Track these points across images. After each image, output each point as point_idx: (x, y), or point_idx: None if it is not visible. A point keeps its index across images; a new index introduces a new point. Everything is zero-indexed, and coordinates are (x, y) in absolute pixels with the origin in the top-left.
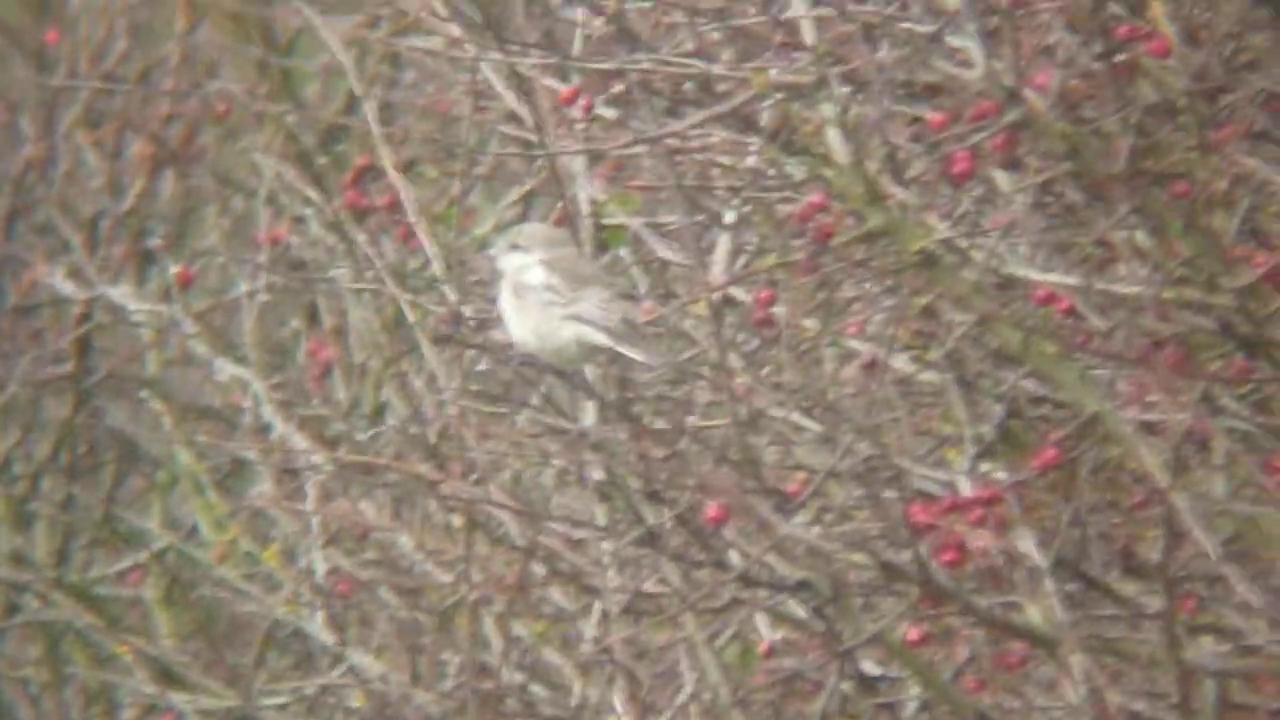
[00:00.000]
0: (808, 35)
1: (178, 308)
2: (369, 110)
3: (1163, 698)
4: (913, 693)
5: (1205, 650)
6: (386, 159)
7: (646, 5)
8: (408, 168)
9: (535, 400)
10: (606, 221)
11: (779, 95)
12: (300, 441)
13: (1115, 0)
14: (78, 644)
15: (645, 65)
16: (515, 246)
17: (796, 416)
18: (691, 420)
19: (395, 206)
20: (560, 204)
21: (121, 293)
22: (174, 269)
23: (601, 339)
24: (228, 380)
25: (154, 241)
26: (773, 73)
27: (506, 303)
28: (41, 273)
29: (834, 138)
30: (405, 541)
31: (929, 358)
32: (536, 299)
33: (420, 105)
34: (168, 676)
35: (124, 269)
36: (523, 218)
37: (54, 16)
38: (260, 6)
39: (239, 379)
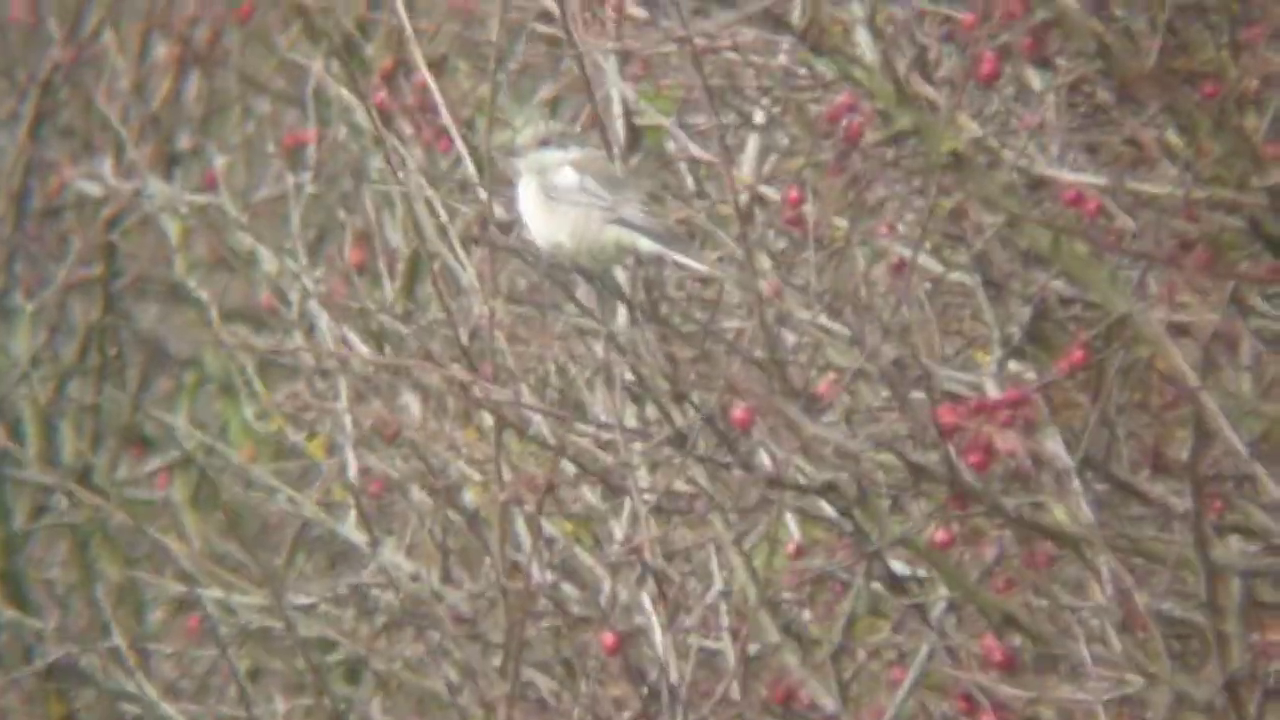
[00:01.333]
0: None
1: (225, 198)
2: (399, 2)
3: (1190, 597)
4: (941, 593)
5: (1233, 549)
6: (418, 54)
7: None
8: (440, 64)
9: (565, 302)
10: (639, 122)
11: None
12: (347, 337)
13: None
14: (105, 545)
15: None
16: (544, 143)
17: (824, 318)
18: (719, 322)
19: (425, 107)
20: (590, 105)
21: (158, 188)
22: (220, 160)
23: (647, 243)
24: (269, 269)
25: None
26: None
27: (533, 203)
28: (69, 175)
29: (863, 37)
30: (436, 441)
31: (957, 259)
32: (572, 200)
33: (446, 3)
34: (195, 578)
35: (151, 170)
36: (553, 117)
37: None
38: None
39: (273, 277)
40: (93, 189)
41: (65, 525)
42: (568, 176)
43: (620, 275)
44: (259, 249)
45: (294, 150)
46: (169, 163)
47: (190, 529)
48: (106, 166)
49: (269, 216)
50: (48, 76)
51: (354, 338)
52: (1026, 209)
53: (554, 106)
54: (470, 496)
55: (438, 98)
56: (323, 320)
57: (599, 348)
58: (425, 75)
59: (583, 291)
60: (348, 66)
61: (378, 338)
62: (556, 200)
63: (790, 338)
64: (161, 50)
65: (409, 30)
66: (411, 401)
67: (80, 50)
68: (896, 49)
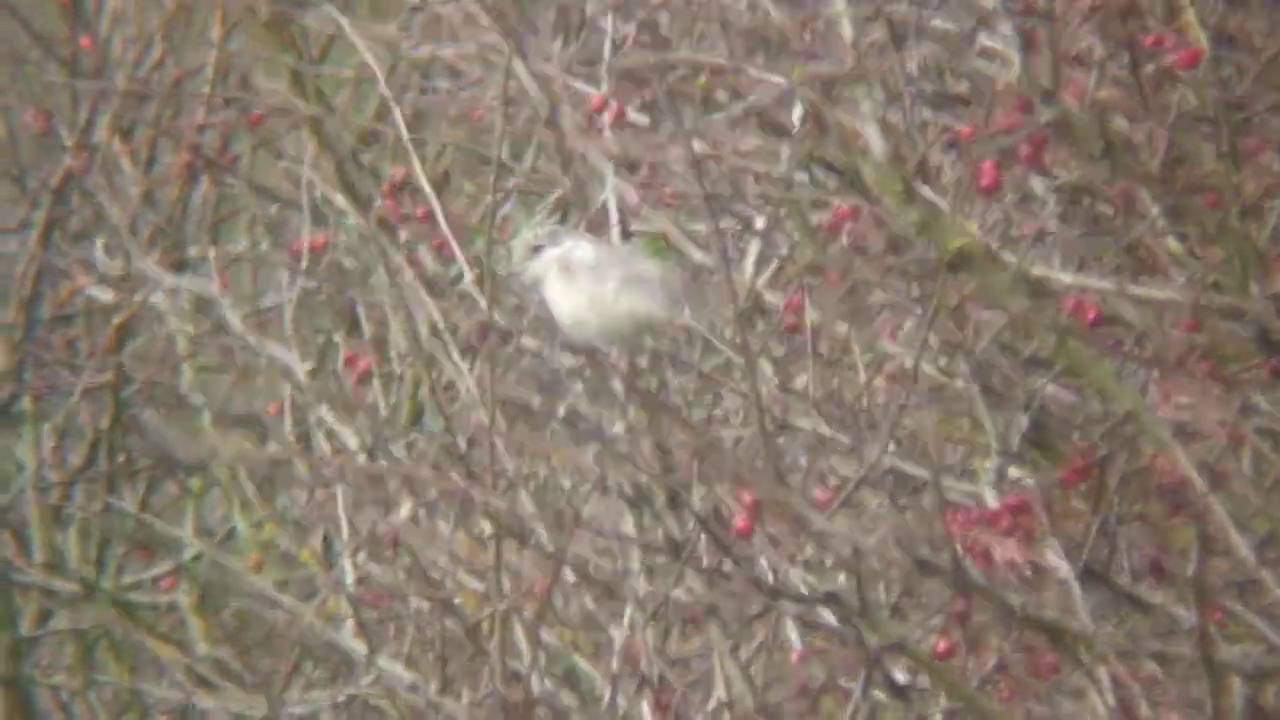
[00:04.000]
0: (847, 32)
1: (227, 303)
2: (398, 116)
3: (1194, 707)
4: (941, 702)
5: (1238, 651)
6: (418, 166)
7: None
8: (443, 178)
9: (563, 409)
10: (637, 229)
11: (811, 91)
12: (347, 441)
13: (1146, 10)
14: (111, 651)
15: (679, 60)
16: (536, 247)
17: (823, 428)
18: (720, 429)
19: (430, 217)
20: (588, 211)
21: (170, 283)
22: (212, 256)
23: (658, 307)
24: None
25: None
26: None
27: (554, 287)
28: (80, 282)
29: (872, 133)
30: (435, 549)
31: (954, 366)
32: (587, 269)
33: (452, 114)
34: (203, 682)
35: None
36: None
37: (88, 24)
38: (294, 14)
39: (279, 379)
40: (103, 296)
41: (70, 631)
42: (584, 249)
43: (618, 382)
44: (267, 347)
45: (296, 258)
46: (177, 269)
47: (196, 633)
48: (100, 256)
49: (275, 323)
50: (59, 183)
51: (352, 442)
52: (1031, 307)
53: (563, 214)
54: (468, 605)
55: (436, 208)
56: (322, 428)
57: (597, 454)
58: (425, 187)
59: (581, 398)
60: (352, 177)
61: (376, 447)
62: (573, 274)
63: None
64: (170, 157)
65: (406, 141)
66: (410, 509)
67: (91, 157)
68: (902, 149)
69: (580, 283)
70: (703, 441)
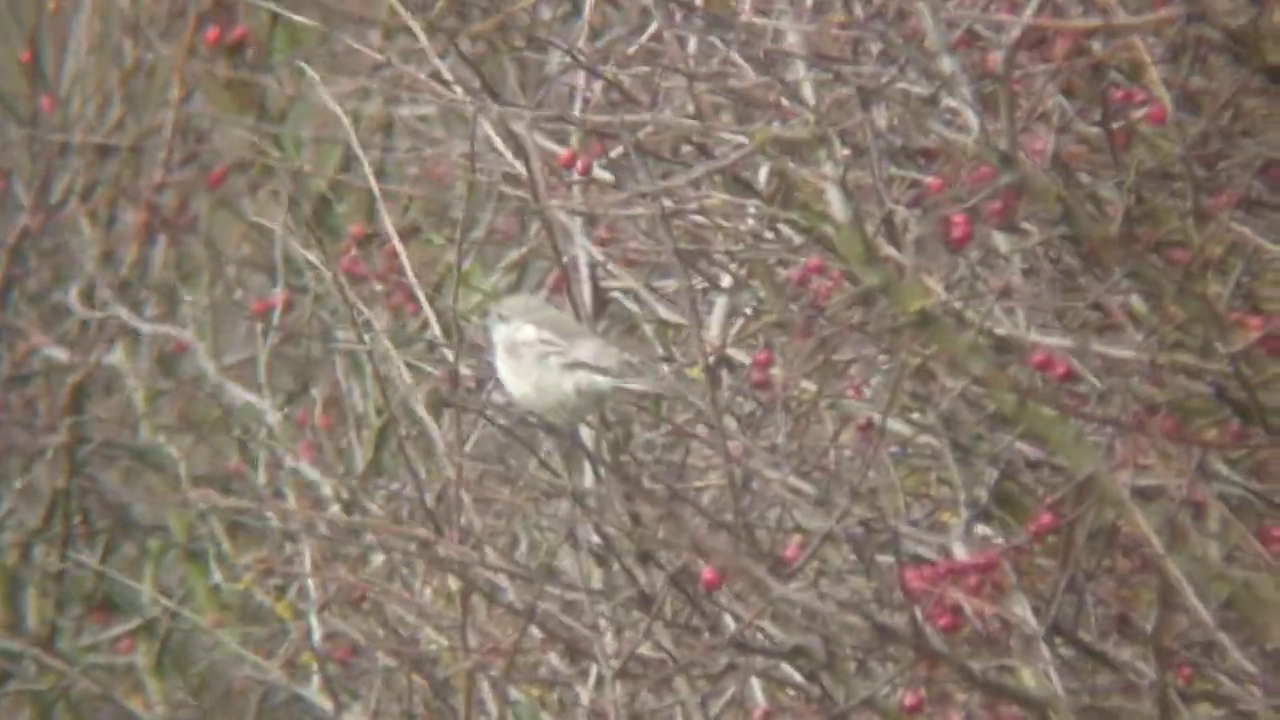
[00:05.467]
0: (808, 96)
1: (202, 350)
2: (367, 169)
3: None
4: None
5: (1200, 716)
6: (387, 218)
7: (644, 70)
8: (409, 232)
9: (531, 463)
10: (606, 284)
11: (777, 152)
12: (320, 493)
13: (1111, 66)
14: (69, 712)
15: (644, 121)
16: (501, 317)
17: (793, 479)
18: (686, 485)
19: (393, 271)
20: (556, 267)
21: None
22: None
23: (602, 380)
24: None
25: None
26: (774, 127)
27: (502, 365)
28: (37, 342)
29: (834, 195)
30: (403, 606)
31: (924, 420)
32: (532, 353)
33: (415, 173)
34: None
35: (118, 337)
36: (519, 281)
37: (48, 84)
38: (254, 74)
39: (242, 435)
40: (60, 355)
41: (29, 691)
42: (528, 333)
43: (586, 435)
44: (233, 391)
45: (263, 315)
46: (135, 332)
47: (154, 695)
48: (75, 303)
49: (238, 380)
50: (16, 242)
51: (321, 498)
52: (993, 370)
53: (522, 270)
54: (438, 661)
55: (404, 261)
56: (289, 484)
57: (565, 508)
58: (394, 239)
59: (548, 452)
60: (315, 231)
61: (346, 502)
62: (519, 358)
63: (755, 500)
64: (130, 216)
65: (377, 193)
66: (378, 564)
67: (48, 217)
68: (865, 211)
69: (524, 366)
70: (665, 510)
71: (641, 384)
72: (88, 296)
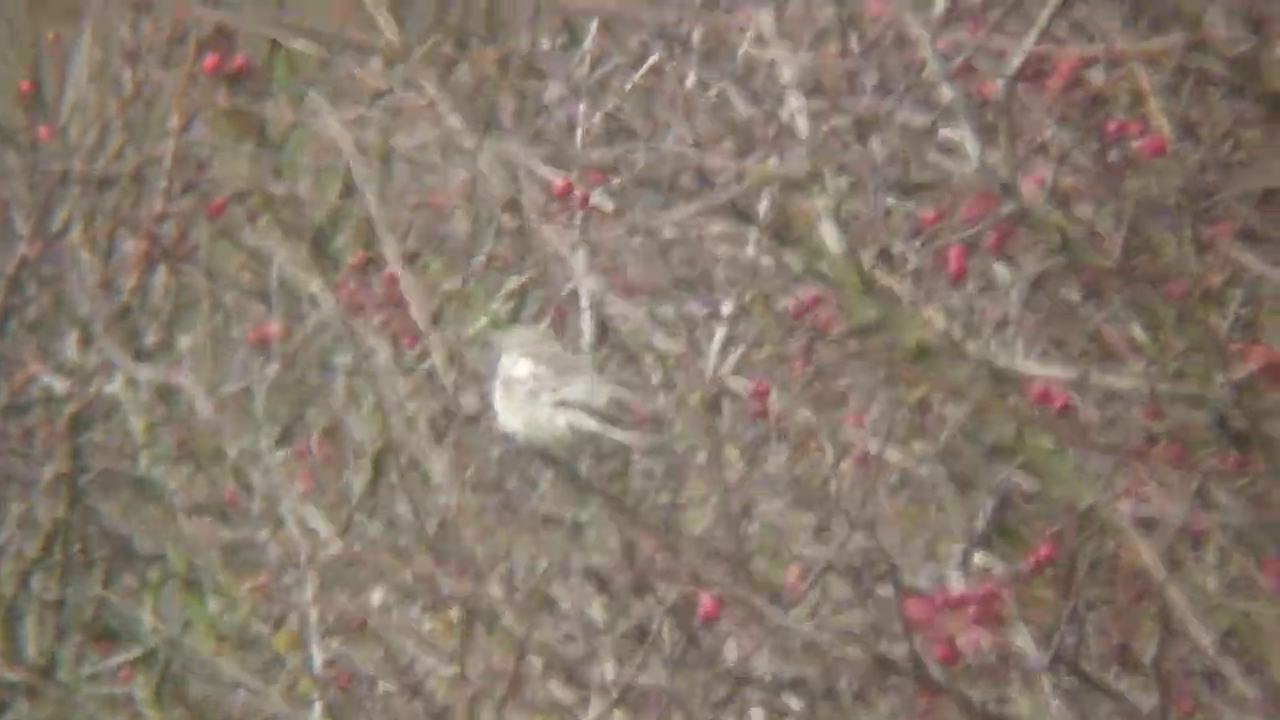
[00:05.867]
0: (802, 130)
1: (198, 390)
2: (369, 197)
3: None
4: None
5: None
6: (389, 246)
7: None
8: (411, 258)
9: (532, 493)
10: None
11: (774, 186)
12: (314, 524)
13: (1108, 98)
14: None
15: (641, 156)
16: (500, 349)
17: (791, 510)
18: (682, 514)
19: (393, 299)
20: (556, 299)
21: (141, 374)
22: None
23: (589, 423)
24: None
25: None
26: (772, 162)
27: (498, 398)
28: (35, 370)
29: (828, 229)
30: (403, 634)
31: (922, 451)
32: (523, 389)
33: (413, 202)
34: None
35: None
36: (519, 310)
37: (47, 113)
38: (254, 102)
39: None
40: (58, 385)
41: None
42: (523, 367)
43: (585, 466)
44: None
45: (261, 344)
46: (136, 358)
47: None
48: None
49: (235, 410)
50: (14, 272)
51: (321, 527)
52: (991, 400)
53: (521, 298)
54: (438, 690)
55: (406, 289)
56: (289, 512)
57: (565, 538)
58: (395, 267)
59: (548, 482)
60: (316, 257)
61: (344, 531)
62: (512, 393)
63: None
64: (129, 246)
65: (380, 221)
66: (378, 594)
67: (47, 246)
68: (861, 243)
69: (516, 402)
70: (663, 541)
71: (627, 437)
72: (85, 331)
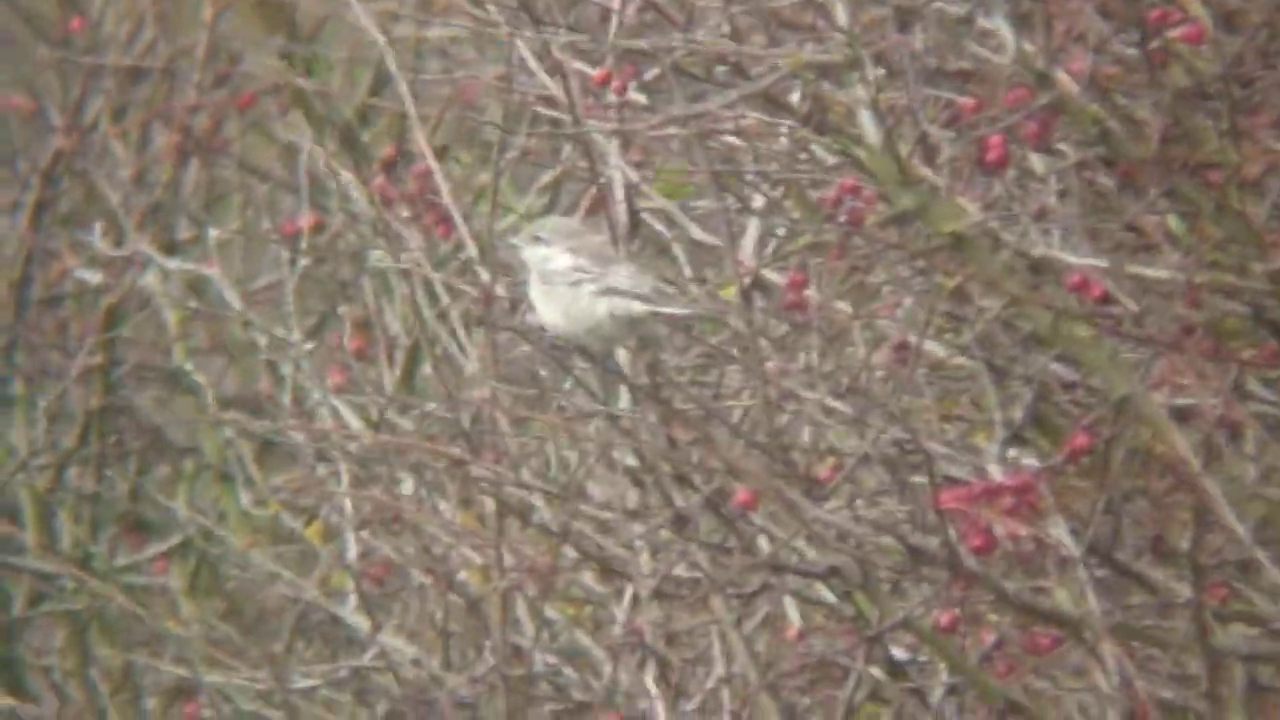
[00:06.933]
0: (841, 17)
1: (226, 284)
2: (404, 89)
3: (1192, 683)
4: (941, 678)
5: (1235, 634)
6: (421, 138)
7: None
8: (441, 152)
9: (567, 384)
10: (641, 205)
11: (810, 75)
12: (345, 419)
13: None
14: (103, 632)
15: (678, 47)
16: (537, 239)
17: (828, 400)
18: (721, 404)
19: (425, 193)
20: (593, 189)
21: (167, 266)
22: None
23: (637, 306)
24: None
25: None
26: (807, 51)
27: (535, 290)
28: (70, 263)
29: (866, 119)
30: (437, 526)
31: (959, 341)
32: (564, 280)
33: (447, 94)
34: (194, 663)
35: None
36: (552, 203)
37: (79, 6)
38: None
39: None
40: (93, 278)
41: (63, 612)
42: (562, 260)
43: (622, 357)
44: (256, 326)
45: (293, 238)
46: (169, 251)
47: (187, 615)
48: (98, 242)
49: (268, 304)
50: (49, 165)
51: (353, 420)
52: (1028, 291)
53: (555, 191)
54: (471, 581)
55: (440, 180)
56: (321, 405)
57: (600, 429)
58: (429, 158)
59: (582, 372)
60: (347, 151)
61: (376, 425)
62: (552, 284)
63: (790, 421)
64: (162, 139)
65: (413, 115)
66: (411, 486)
67: (81, 139)
68: (899, 132)
69: (556, 292)
70: (699, 432)
71: (677, 308)
72: (115, 225)
